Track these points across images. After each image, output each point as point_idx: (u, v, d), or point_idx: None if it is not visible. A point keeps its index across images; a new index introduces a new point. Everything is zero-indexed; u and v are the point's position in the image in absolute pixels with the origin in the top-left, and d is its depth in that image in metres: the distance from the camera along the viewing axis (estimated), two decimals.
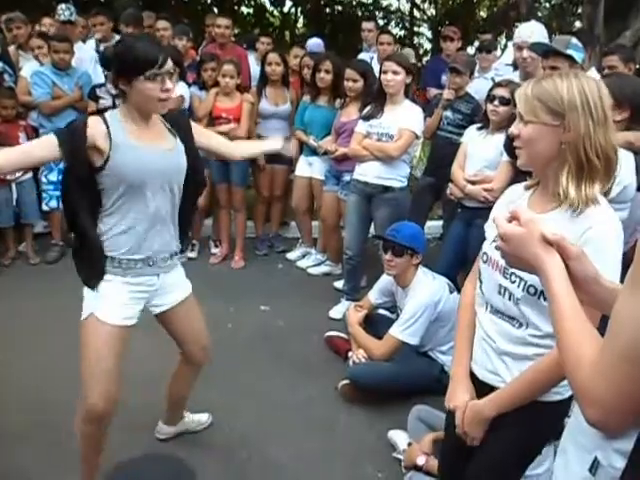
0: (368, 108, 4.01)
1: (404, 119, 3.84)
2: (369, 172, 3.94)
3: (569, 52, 3.41)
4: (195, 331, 2.48)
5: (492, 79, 4.83)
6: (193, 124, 2.38)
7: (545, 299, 1.54)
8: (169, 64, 2.05)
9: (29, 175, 4.73)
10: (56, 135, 2.02)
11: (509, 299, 1.64)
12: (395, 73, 3.76)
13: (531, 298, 1.59)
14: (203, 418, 2.92)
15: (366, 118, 3.98)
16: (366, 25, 6.08)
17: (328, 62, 4.55)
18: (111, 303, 2.17)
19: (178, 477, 2.03)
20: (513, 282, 1.61)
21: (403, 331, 3.13)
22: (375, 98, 3.97)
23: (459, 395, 1.77)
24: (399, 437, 2.86)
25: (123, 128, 2.10)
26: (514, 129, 1.55)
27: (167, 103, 2.11)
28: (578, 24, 8.66)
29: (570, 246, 1.11)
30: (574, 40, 3.45)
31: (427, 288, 3.20)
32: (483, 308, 1.74)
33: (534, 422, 1.70)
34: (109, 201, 2.11)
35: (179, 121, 2.29)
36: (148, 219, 2.15)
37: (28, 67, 5.03)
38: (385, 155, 3.87)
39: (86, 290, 2.20)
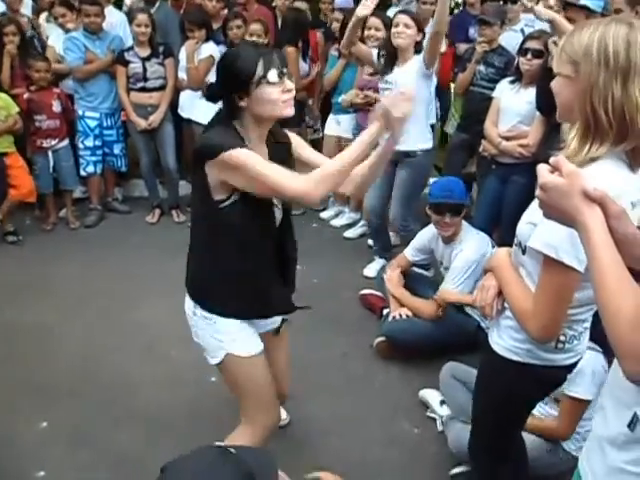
0: (380, 62, 3.86)
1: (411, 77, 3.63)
2: None
3: (583, 2, 3.26)
4: (279, 369, 2.34)
5: (521, 30, 4.67)
6: (293, 137, 2.15)
7: (524, 253, 1.59)
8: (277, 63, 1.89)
9: (65, 142, 4.76)
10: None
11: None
12: (406, 26, 3.61)
13: (517, 250, 1.64)
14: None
15: (382, 74, 3.86)
16: None
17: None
18: (243, 337, 2.11)
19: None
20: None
21: (457, 287, 3.09)
22: (386, 54, 3.83)
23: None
24: (430, 396, 2.88)
25: None
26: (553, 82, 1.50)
27: (291, 103, 1.94)
28: None
29: (612, 204, 1.07)
30: None
31: (474, 243, 3.14)
32: None
33: (489, 373, 1.86)
34: None
35: (281, 138, 2.09)
36: None
37: (55, 36, 5.00)
38: None
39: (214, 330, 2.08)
